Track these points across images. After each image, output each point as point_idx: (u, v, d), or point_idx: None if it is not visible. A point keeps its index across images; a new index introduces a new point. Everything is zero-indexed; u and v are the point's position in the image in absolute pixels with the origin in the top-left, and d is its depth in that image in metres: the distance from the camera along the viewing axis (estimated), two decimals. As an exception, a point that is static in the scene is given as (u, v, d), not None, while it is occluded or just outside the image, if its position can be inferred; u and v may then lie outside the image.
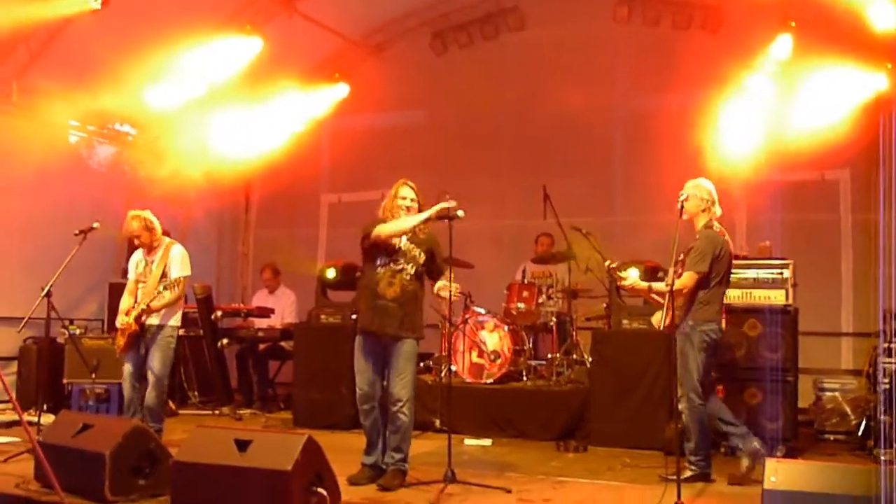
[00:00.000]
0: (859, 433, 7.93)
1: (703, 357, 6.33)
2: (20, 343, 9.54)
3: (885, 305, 8.06)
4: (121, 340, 7.22)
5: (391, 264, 6.12)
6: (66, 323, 9.19)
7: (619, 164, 10.85)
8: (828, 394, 8.56)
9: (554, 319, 9.14)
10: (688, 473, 6.17)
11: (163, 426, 7.23)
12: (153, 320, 7.18)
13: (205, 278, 10.61)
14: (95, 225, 7.30)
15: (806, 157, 8.70)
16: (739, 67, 8.93)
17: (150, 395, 7.11)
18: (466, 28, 11.55)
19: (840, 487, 4.40)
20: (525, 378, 9.00)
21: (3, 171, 9.25)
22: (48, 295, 7.03)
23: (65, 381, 9.16)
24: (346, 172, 11.85)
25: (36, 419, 7.27)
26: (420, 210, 6.17)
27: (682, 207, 6.28)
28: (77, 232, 7.22)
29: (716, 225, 6.49)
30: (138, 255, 7.48)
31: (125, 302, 7.33)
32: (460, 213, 6.07)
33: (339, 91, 11.18)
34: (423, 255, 6.20)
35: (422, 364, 8.86)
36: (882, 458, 7.06)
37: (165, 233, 7.59)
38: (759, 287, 7.74)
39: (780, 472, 4.51)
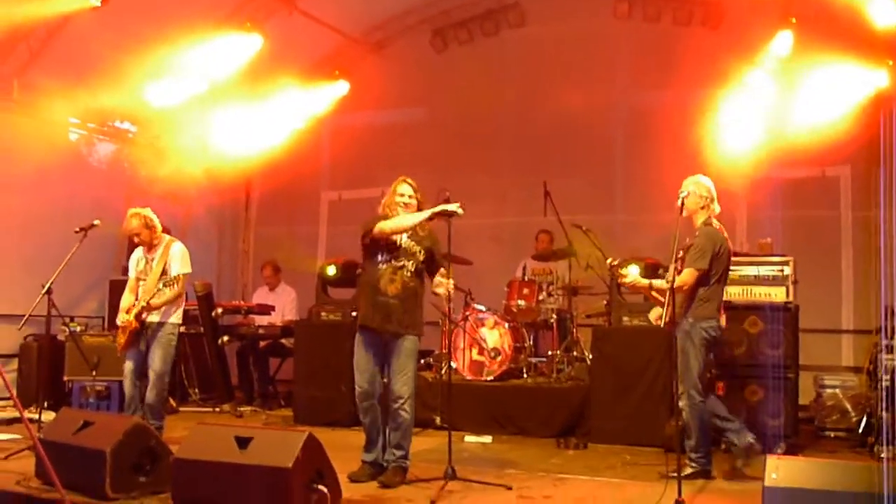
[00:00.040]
0: (860, 430, 7.93)
1: (703, 354, 6.35)
2: (21, 340, 9.54)
3: (885, 302, 8.05)
4: (121, 338, 7.22)
5: (392, 261, 6.12)
6: (67, 320, 9.22)
7: (619, 161, 10.84)
8: (828, 391, 8.55)
9: (554, 316, 9.15)
10: (688, 470, 6.16)
11: (163, 423, 7.23)
12: (154, 318, 7.17)
13: (205, 275, 10.62)
14: (96, 222, 7.31)
15: (806, 153, 8.70)
16: (740, 64, 8.93)
17: (150, 393, 7.11)
18: (467, 25, 11.54)
19: (841, 484, 4.40)
20: (525, 375, 9.00)
21: (3, 168, 9.25)
22: (49, 292, 7.04)
23: (65, 378, 9.17)
24: (347, 170, 11.85)
25: (37, 416, 7.29)
26: (419, 206, 6.18)
27: (683, 204, 6.28)
28: (77, 229, 7.22)
29: (715, 222, 6.49)
30: (138, 252, 7.47)
31: (126, 300, 7.33)
32: (459, 210, 6.06)
33: (340, 88, 11.18)
34: (423, 252, 6.21)
35: (422, 361, 8.87)
36: (882, 455, 7.06)
37: (166, 230, 7.58)
38: (759, 284, 7.74)
39: (780, 469, 4.50)
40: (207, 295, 10.32)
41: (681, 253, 6.36)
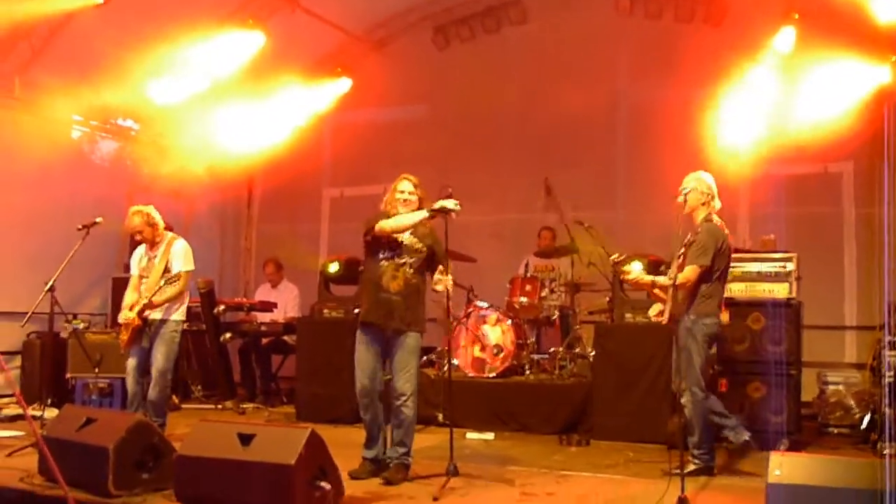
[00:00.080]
0: (863, 427, 7.92)
1: (705, 350, 6.36)
2: (24, 338, 9.55)
3: (888, 298, 8.03)
4: (124, 335, 7.23)
5: (394, 258, 6.13)
6: (70, 317, 9.24)
7: (621, 158, 10.83)
8: (831, 387, 8.55)
9: (557, 313, 9.15)
10: (691, 467, 6.17)
11: (166, 420, 7.25)
12: (156, 315, 7.19)
13: (207, 273, 10.62)
14: (98, 220, 7.31)
15: (809, 150, 8.68)
16: (742, 60, 8.91)
17: (153, 390, 7.12)
18: (468, 22, 11.52)
19: (844, 481, 4.39)
20: (528, 372, 8.99)
21: (6, 166, 9.26)
22: (52, 289, 7.05)
23: (68, 375, 9.18)
24: (348, 167, 11.85)
25: (40, 413, 7.31)
26: (420, 202, 6.18)
27: (686, 200, 6.28)
28: (80, 227, 7.23)
29: (716, 218, 6.48)
30: (141, 250, 7.48)
31: (129, 297, 7.34)
32: (456, 207, 6.05)
33: (342, 86, 11.18)
34: (425, 249, 6.21)
35: (424, 358, 8.87)
36: (886, 451, 7.05)
37: (168, 228, 7.59)
38: (762, 280, 7.74)
39: (784, 466, 4.50)
40: (210, 292, 10.32)
41: (682, 249, 6.35)
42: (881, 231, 8.47)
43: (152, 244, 7.39)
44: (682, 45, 9.73)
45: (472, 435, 8.10)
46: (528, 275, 9.58)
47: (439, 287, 6.17)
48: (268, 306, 10.38)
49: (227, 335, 10.11)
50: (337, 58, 11.72)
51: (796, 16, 8.91)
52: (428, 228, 6.27)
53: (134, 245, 7.85)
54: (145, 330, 7.18)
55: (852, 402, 8.29)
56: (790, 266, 7.67)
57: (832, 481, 4.41)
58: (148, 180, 9.86)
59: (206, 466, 5.17)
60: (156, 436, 5.77)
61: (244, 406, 9.80)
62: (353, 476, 5.99)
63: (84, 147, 10.55)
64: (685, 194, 6.36)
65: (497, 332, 8.88)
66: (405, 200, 6.18)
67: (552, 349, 9.15)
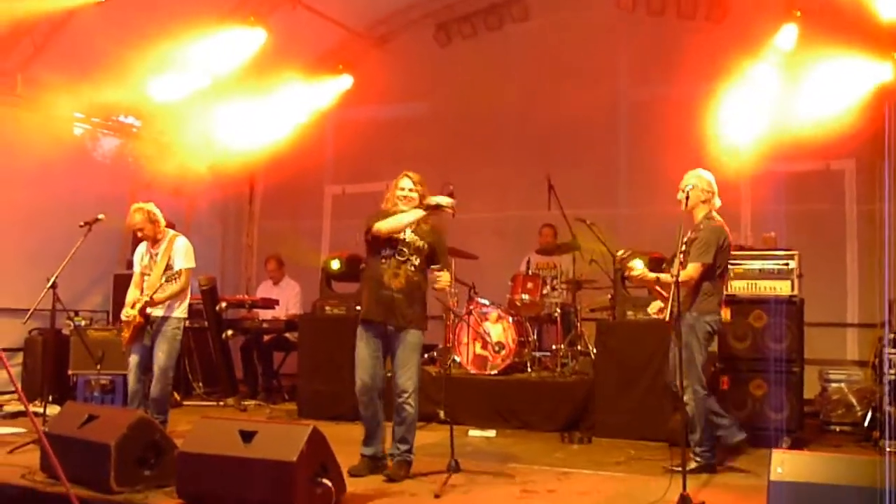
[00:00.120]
0: (865, 424, 7.91)
1: (706, 348, 6.36)
2: (25, 334, 9.56)
3: (890, 296, 8.04)
4: (126, 333, 7.24)
5: (396, 256, 6.12)
6: (72, 314, 9.22)
7: (623, 155, 10.82)
8: (833, 385, 8.54)
9: (558, 310, 9.14)
10: (693, 465, 6.17)
11: (167, 417, 7.25)
12: (158, 312, 7.19)
13: (209, 270, 10.62)
14: (100, 216, 7.29)
15: (811, 147, 8.67)
16: (744, 58, 8.91)
17: (155, 387, 7.13)
18: (470, 19, 11.52)
19: (846, 479, 4.39)
20: (529, 369, 8.99)
21: (7, 163, 9.26)
22: (53, 286, 7.04)
23: (70, 372, 9.18)
24: (350, 164, 11.85)
25: (41, 410, 7.30)
26: (421, 200, 6.18)
27: (688, 198, 6.27)
28: (82, 224, 7.21)
29: (716, 216, 6.48)
30: (143, 247, 7.49)
31: (131, 294, 7.35)
32: (450, 203, 6.06)
33: (343, 83, 11.18)
34: (427, 246, 6.20)
35: (426, 355, 8.87)
36: (887, 449, 7.05)
37: (170, 225, 7.59)
38: (764, 278, 7.72)
39: (786, 464, 4.49)
40: (211, 289, 10.32)
41: (683, 247, 6.34)
42: (883, 228, 8.48)
43: (154, 241, 7.39)
44: (683, 43, 9.72)
45: (473, 432, 8.11)
46: (530, 272, 9.57)
47: (437, 285, 6.17)
48: (269, 303, 10.39)
49: (229, 332, 10.13)
50: (338, 54, 11.72)
51: (798, 13, 8.91)
52: (430, 226, 6.26)
53: (136, 242, 7.85)
54: (147, 327, 7.18)
55: (854, 400, 8.28)
56: (792, 263, 7.65)
57: (834, 479, 4.40)
58: (149, 177, 9.85)
59: (208, 463, 5.17)
60: (157, 433, 5.77)
61: (246, 403, 9.81)
62: (352, 473, 5.98)
63: (86, 144, 10.56)
64: (687, 192, 6.35)
65: (499, 330, 8.88)
66: (405, 198, 6.18)
67: (554, 346, 9.15)
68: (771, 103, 8.90)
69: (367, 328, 6.16)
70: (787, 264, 7.67)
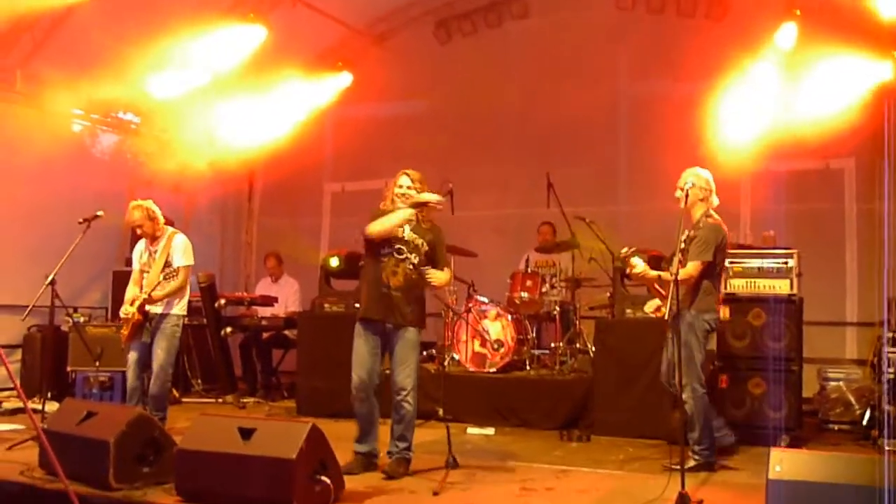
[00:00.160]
0: (863, 423, 7.92)
1: (704, 346, 6.36)
2: (24, 331, 9.56)
3: (889, 295, 8.04)
4: (125, 330, 7.24)
5: (395, 254, 6.12)
6: (71, 311, 9.21)
7: (622, 153, 10.82)
8: (832, 383, 8.54)
9: (557, 308, 9.13)
10: (691, 463, 6.16)
11: (166, 414, 7.25)
12: (157, 309, 7.19)
13: (208, 267, 10.62)
14: (99, 213, 7.30)
15: (810, 145, 8.66)
16: (744, 56, 8.89)
17: (153, 384, 7.13)
18: (470, 17, 11.52)
19: (844, 477, 4.39)
20: (528, 367, 8.99)
21: (7, 159, 9.26)
22: (52, 283, 7.04)
23: (69, 369, 9.19)
24: (349, 161, 11.85)
25: (40, 407, 7.31)
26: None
27: (687, 195, 6.27)
28: (81, 220, 7.22)
29: (714, 214, 6.48)
30: (142, 245, 7.48)
31: (130, 292, 7.34)
32: (436, 199, 6.06)
33: (343, 80, 11.16)
34: (426, 244, 6.20)
35: (424, 353, 8.87)
36: (886, 447, 7.06)
37: (169, 222, 7.58)
38: (763, 276, 7.71)
39: (784, 462, 4.50)
40: (210, 286, 10.32)
41: (682, 245, 6.34)
42: (882, 227, 8.48)
43: (153, 238, 7.39)
44: (683, 41, 9.73)
45: (472, 430, 8.11)
46: (529, 270, 9.56)
47: (430, 280, 6.15)
48: (268, 301, 10.39)
49: (228, 329, 10.12)
50: (338, 52, 11.71)
51: (798, 12, 8.89)
52: (429, 224, 6.26)
53: (135, 239, 7.85)
54: (146, 325, 7.18)
55: (853, 399, 8.28)
56: (791, 262, 7.65)
57: (833, 477, 4.41)
58: (149, 174, 9.85)
59: (207, 460, 5.18)
60: (156, 429, 5.77)
61: (245, 400, 9.82)
62: (345, 471, 5.90)
63: (85, 140, 10.56)
64: (686, 190, 6.34)
65: (497, 328, 8.88)
66: (404, 196, 6.17)
67: (553, 344, 9.15)
68: (771, 102, 8.89)
69: (366, 326, 6.16)
70: (786, 263, 7.67)
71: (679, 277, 5.93)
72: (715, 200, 6.52)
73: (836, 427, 8.28)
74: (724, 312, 7.36)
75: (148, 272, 7.28)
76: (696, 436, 6.31)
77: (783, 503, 4.42)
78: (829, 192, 9.88)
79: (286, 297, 10.64)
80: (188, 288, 7.44)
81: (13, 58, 9.31)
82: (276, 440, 5.07)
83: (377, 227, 6.06)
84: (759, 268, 7.74)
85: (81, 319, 9.46)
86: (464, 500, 5.54)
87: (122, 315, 7.29)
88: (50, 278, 7.01)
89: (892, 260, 7.96)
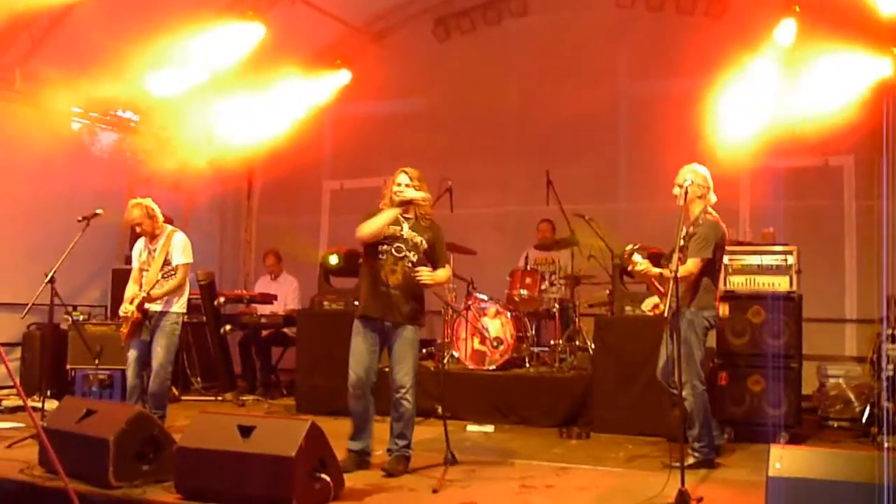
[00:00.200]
0: (863, 420, 7.92)
1: (704, 343, 6.37)
2: (24, 329, 9.56)
3: (888, 292, 8.03)
4: (125, 328, 7.24)
5: (393, 252, 6.11)
6: (70, 309, 9.22)
7: (622, 151, 10.81)
8: (831, 380, 8.54)
9: (557, 306, 9.13)
10: (691, 460, 6.17)
11: (166, 412, 7.25)
12: (156, 307, 7.19)
13: (207, 265, 10.62)
14: (99, 211, 7.30)
15: (810, 142, 8.67)
16: (743, 53, 8.88)
17: (153, 382, 7.13)
18: (469, 14, 11.51)
19: (844, 474, 4.39)
20: (528, 365, 8.99)
21: (6, 158, 9.26)
22: (52, 281, 7.04)
23: (68, 367, 9.19)
24: (348, 159, 11.85)
25: (40, 405, 7.30)
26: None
27: (686, 192, 6.26)
28: (80, 218, 7.22)
29: (712, 211, 6.48)
30: (141, 243, 7.48)
31: (129, 290, 7.34)
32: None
33: (342, 78, 11.14)
34: (425, 242, 6.19)
35: (424, 351, 8.87)
36: (885, 444, 7.06)
37: (168, 220, 7.58)
38: (762, 273, 7.71)
39: (784, 459, 4.49)
40: (210, 284, 10.32)
41: (682, 242, 6.33)
42: (881, 224, 8.47)
43: (152, 237, 7.38)
44: (682, 38, 9.73)
45: (472, 427, 8.11)
46: (529, 267, 9.56)
47: (422, 279, 6.13)
48: (268, 298, 10.39)
49: (228, 327, 10.13)
50: (337, 50, 11.71)
51: (797, 8, 8.88)
52: (429, 222, 6.25)
53: (135, 237, 7.85)
54: (145, 323, 7.18)
55: (852, 396, 8.28)
56: (790, 259, 7.65)
57: (832, 474, 4.41)
58: (148, 172, 9.85)
59: (207, 458, 5.18)
60: (156, 427, 5.77)
61: (244, 398, 9.81)
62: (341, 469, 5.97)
63: (84, 139, 10.54)
64: (685, 187, 6.34)
65: (497, 325, 8.88)
66: (395, 194, 6.17)
67: (552, 342, 9.15)
68: (770, 99, 8.88)
69: (365, 323, 6.16)
70: (785, 260, 7.66)
71: (679, 275, 5.92)
72: (713, 197, 6.51)
73: (835, 424, 8.27)
74: (724, 309, 7.37)
75: (147, 270, 7.28)
76: (695, 433, 6.32)
77: (783, 500, 4.42)
78: (828, 188, 9.88)
79: (285, 294, 10.64)
80: (187, 286, 7.44)
81: (12, 56, 9.30)
82: (275, 438, 5.07)
83: (365, 230, 6.07)
84: (758, 265, 7.73)
85: (81, 317, 9.45)
86: (463, 497, 5.54)
87: (121, 313, 7.29)
88: (49, 276, 7.01)
89: (892, 257, 7.96)
